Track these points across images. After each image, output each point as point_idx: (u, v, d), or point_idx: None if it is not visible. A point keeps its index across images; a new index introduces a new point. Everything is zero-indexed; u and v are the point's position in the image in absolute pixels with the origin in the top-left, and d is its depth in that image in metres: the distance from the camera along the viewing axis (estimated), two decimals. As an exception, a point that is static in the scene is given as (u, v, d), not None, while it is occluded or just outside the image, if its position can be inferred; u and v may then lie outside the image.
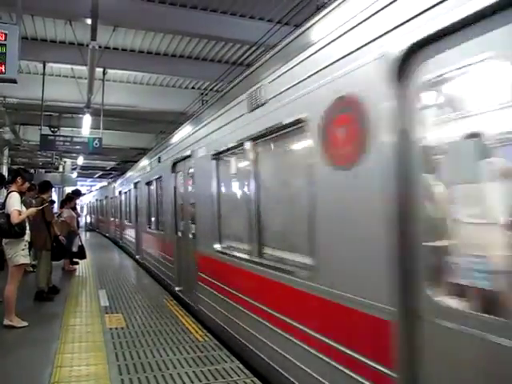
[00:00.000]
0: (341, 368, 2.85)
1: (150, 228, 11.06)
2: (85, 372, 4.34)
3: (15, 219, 5.81)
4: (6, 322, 5.91)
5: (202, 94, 15.11)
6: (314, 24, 3.38)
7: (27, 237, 6.14)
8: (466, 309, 2.12)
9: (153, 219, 10.78)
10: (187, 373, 4.30)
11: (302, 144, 3.67)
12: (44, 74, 12.84)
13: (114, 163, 30.38)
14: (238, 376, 4.21)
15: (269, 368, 4.00)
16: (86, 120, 13.78)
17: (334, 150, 3.01)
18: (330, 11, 3.13)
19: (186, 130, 7.47)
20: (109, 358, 4.74)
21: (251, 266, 4.52)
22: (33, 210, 6.58)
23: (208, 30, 10.67)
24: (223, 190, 5.75)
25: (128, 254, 15.38)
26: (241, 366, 4.49)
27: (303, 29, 3.54)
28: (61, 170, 25.71)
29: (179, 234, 7.83)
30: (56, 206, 13.50)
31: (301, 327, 3.46)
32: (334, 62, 2.97)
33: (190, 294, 6.96)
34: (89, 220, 35.76)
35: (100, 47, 9.96)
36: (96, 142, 14.10)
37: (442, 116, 2.44)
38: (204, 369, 4.41)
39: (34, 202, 8.22)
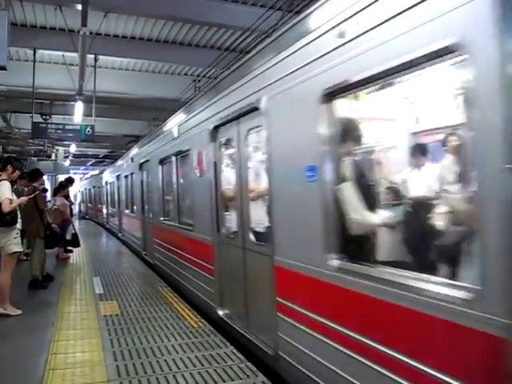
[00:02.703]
0: None
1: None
2: (80, 359, 4.38)
3: (6, 208, 5.78)
4: (0, 310, 5.92)
5: (195, 80, 14.96)
6: None
7: (19, 225, 6.13)
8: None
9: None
10: (182, 358, 4.34)
11: None
12: (34, 61, 12.68)
13: (106, 151, 30.20)
14: (233, 361, 4.26)
15: None
16: (78, 107, 13.65)
17: None
18: None
19: None
20: (104, 344, 4.78)
21: None
22: (24, 198, 6.55)
23: (200, 16, 10.56)
24: None
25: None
26: (235, 350, 4.54)
27: None
28: (53, 158, 25.49)
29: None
30: (49, 194, 13.45)
31: None
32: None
33: None
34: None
35: (91, 33, 9.84)
36: (88, 129, 14.00)
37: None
38: (199, 354, 4.45)
39: (25, 190, 8.18)
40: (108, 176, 20.80)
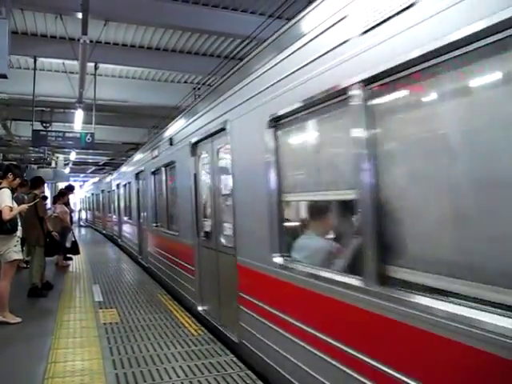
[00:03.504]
0: None
1: None
2: (79, 367, 4.35)
3: (6, 215, 5.79)
4: (0, 318, 5.90)
5: (195, 88, 15.05)
6: None
7: (19, 233, 6.13)
8: None
9: None
10: (181, 367, 4.32)
11: None
12: (35, 69, 12.72)
13: (106, 158, 30.24)
14: (233, 369, 4.24)
15: None
16: (78, 115, 13.67)
17: None
18: None
19: None
20: (103, 352, 4.76)
21: None
22: (24, 206, 6.56)
23: (200, 24, 10.60)
24: None
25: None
26: (235, 359, 4.52)
27: None
28: (53, 165, 25.54)
29: None
30: (49, 201, 13.45)
31: None
32: None
33: None
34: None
35: (91, 42, 9.87)
36: (88, 137, 14.03)
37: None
38: (198, 362, 4.43)
39: (26, 197, 8.18)
40: (121, 177, 15.96)
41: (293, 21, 3.55)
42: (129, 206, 13.86)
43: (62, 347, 4.96)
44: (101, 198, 24.03)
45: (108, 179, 20.83)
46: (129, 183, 13.62)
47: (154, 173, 9.61)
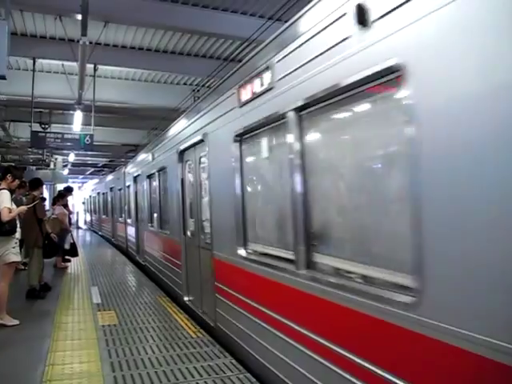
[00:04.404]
0: None
1: None
2: (77, 369, 4.33)
3: (5, 217, 5.77)
4: (-2, 320, 5.88)
5: (194, 90, 15.06)
6: None
7: (18, 234, 6.12)
8: None
9: None
10: (180, 369, 4.30)
11: None
12: (34, 70, 12.72)
13: (105, 160, 30.22)
14: (232, 372, 4.22)
15: None
16: (77, 116, 13.68)
17: None
18: None
19: None
20: (101, 355, 4.73)
21: None
22: (23, 207, 6.55)
23: (199, 26, 10.62)
24: None
25: None
26: (234, 361, 4.50)
27: None
28: (52, 166, 25.48)
29: None
30: (48, 203, 13.43)
31: None
32: None
33: None
34: None
35: (91, 43, 9.88)
36: (87, 138, 14.03)
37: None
38: (197, 365, 4.41)
39: (24, 199, 8.16)
40: (141, 166, 11.34)
41: None
42: (158, 210, 9.24)
43: (60, 349, 4.93)
44: (109, 198, 19.58)
45: (119, 173, 16.54)
46: (159, 172, 8.87)
47: (243, 140, 4.55)
